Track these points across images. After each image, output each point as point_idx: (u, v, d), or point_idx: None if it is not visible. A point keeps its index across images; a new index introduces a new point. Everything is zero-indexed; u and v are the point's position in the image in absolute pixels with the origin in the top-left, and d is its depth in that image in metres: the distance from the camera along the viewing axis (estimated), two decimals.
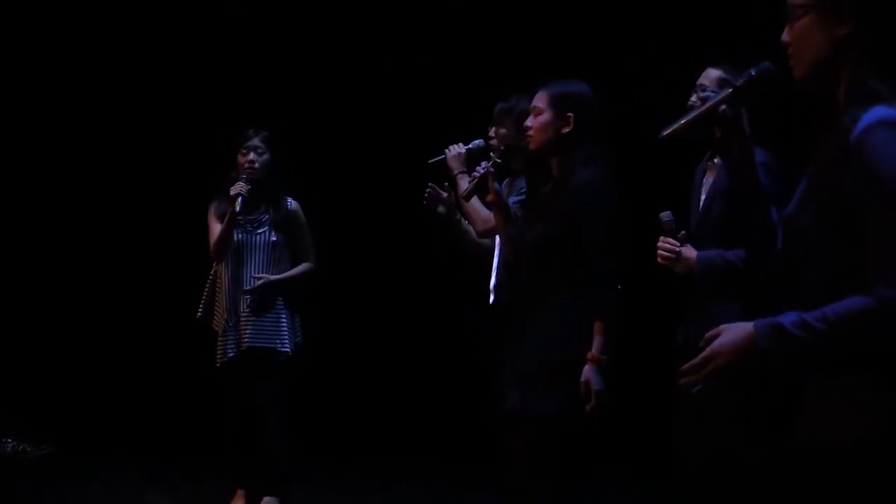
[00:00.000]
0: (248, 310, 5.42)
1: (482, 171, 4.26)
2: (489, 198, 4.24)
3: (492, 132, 4.68)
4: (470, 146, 4.63)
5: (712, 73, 4.34)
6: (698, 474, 4.28)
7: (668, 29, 6.60)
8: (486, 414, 4.63)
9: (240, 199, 5.37)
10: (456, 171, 4.59)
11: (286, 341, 5.46)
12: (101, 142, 7.93)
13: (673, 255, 4.23)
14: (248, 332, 5.42)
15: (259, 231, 5.50)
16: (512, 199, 4.51)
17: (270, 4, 7.72)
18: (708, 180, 4.39)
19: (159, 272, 7.77)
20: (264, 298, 5.43)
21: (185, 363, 7.21)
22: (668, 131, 2.43)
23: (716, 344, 2.22)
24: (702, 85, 4.34)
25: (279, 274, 5.49)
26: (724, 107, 2.38)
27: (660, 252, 4.24)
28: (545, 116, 4.02)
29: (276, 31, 7.70)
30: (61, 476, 6.89)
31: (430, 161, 4.65)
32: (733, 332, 2.20)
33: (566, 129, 4.00)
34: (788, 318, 2.14)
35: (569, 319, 3.87)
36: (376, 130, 7.55)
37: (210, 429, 6.68)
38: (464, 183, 4.55)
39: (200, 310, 5.61)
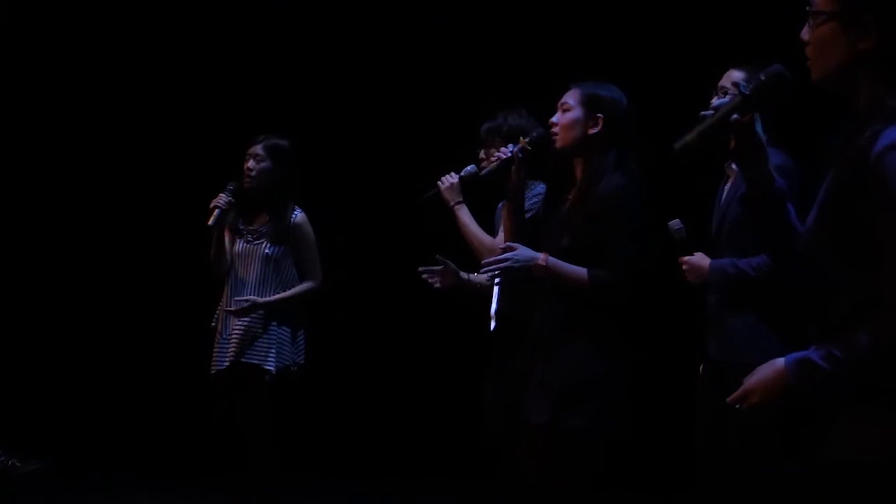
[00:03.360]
0: (240, 322, 5.25)
1: (509, 154, 4.07)
2: (508, 185, 4.06)
3: (482, 154, 4.51)
4: (462, 174, 4.44)
5: (735, 75, 4.26)
6: (717, 481, 4.20)
7: (671, 32, 6.51)
8: (487, 426, 4.51)
9: (217, 212, 5.26)
10: (452, 203, 4.42)
11: (272, 360, 5.22)
12: (100, 147, 7.79)
13: (686, 267, 4.16)
14: (237, 344, 5.25)
15: (257, 242, 5.33)
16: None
17: (270, 7, 7.65)
18: (726, 185, 4.31)
19: (156, 286, 7.64)
20: (258, 315, 5.25)
21: (180, 376, 7.11)
22: (680, 146, 2.36)
23: (749, 382, 2.24)
24: (723, 87, 4.26)
25: (274, 289, 5.28)
26: (735, 115, 2.31)
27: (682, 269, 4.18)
28: (574, 113, 3.87)
29: (283, 36, 7.62)
30: (52, 493, 6.80)
31: (424, 197, 4.47)
32: (765, 370, 2.22)
33: (594, 130, 3.85)
34: (817, 352, 2.14)
35: (593, 337, 3.75)
36: (381, 142, 7.46)
37: (205, 442, 6.62)
38: (463, 213, 4.41)
39: (215, 319, 5.46)
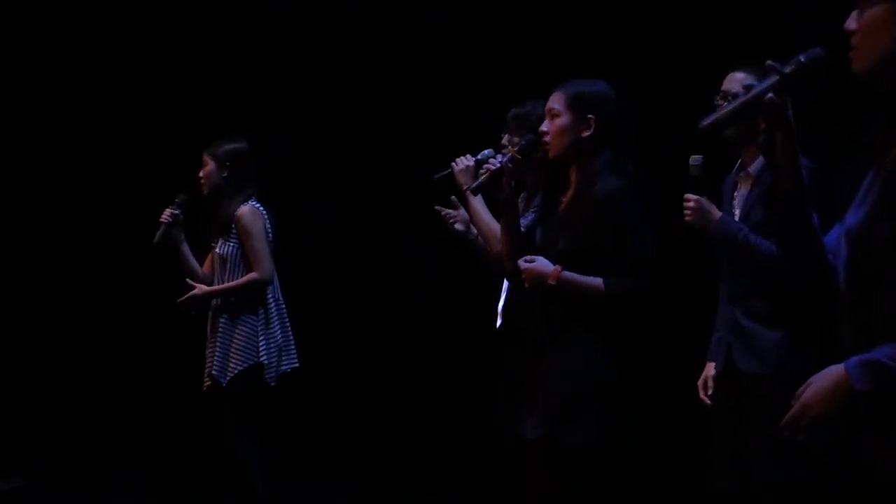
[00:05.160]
0: (212, 333, 5.14)
1: (498, 165, 3.92)
2: (501, 195, 3.91)
3: (505, 139, 4.29)
4: (479, 157, 4.25)
5: (738, 77, 4.15)
6: (727, 488, 4.11)
7: (671, 32, 6.44)
8: (490, 438, 4.40)
9: (162, 227, 5.24)
10: (466, 187, 4.22)
11: (218, 369, 5.07)
12: (100, 150, 7.65)
13: (692, 204, 4.01)
14: (209, 358, 5.16)
15: (214, 243, 5.26)
16: (526, 220, 4.19)
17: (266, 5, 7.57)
18: (742, 192, 4.19)
19: (144, 295, 7.44)
20: (216, 320, 5.13)
21: (168, 390, 7.00)
22: (708, 122, 2.24)
23: (806, 395, 2.08)
24: (726, 91, 4.15)
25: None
26: (770, 95, 2.18)
27: (684, 206, 4.02)
28: (563, 119, 3.72)
29: (283, 36, 7.53)
30: None
31: (435, 176, 4.31)
32: (822, 379, 2.08)
33: (587, 133, 3.70)
34: (883, 352, 1.98)
35: (596, 342, 3.61)
36: (381, 142, 7.36)
37: (195, 455, 6.50)
38: (475, 199, 4.22)
39: None
